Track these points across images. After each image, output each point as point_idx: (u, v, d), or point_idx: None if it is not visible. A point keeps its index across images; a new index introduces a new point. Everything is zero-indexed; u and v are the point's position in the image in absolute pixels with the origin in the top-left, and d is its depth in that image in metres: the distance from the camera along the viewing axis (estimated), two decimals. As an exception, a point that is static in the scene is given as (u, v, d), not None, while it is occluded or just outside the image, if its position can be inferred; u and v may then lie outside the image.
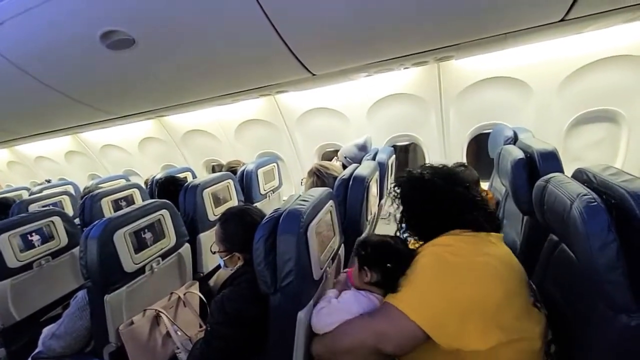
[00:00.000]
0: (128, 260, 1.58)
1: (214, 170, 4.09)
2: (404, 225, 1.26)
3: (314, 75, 1.85)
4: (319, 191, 1.37)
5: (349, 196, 1.72)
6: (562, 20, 1.37)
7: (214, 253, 1.35)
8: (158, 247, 1.75)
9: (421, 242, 1.18)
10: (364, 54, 1.62)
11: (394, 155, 2.60)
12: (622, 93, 2.20)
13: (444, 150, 2.75)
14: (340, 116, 2.94)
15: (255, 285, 1.14)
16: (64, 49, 1.64)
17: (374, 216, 2.23)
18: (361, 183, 1.71)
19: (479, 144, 2.83)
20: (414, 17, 1.36)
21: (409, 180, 1.22)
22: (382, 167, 2.26)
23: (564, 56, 2.14)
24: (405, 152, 3.34)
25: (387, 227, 2.89)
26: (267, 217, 1.18)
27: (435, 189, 1.14)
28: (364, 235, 1.80)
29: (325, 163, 2.03)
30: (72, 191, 4.02)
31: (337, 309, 1.13)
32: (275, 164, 3.13)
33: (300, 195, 1.32)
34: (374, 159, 2.32)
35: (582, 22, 1.40)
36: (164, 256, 1.80)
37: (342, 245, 1.60)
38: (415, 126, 2.76)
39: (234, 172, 2.89)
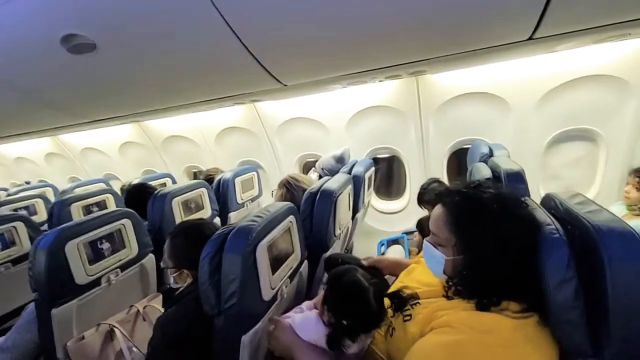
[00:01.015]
0: (80, 271, 1.51)
1: (195, 177, 4.02)
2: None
3: (285, 85, 1.81)
4: (278, 206, 1.32)
5: (315, 210, 1.67)
6: (530, 39, 1.35)
7: (163, 269, 1.29)
8: (117, 258, 1.68)
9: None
10: (334, 66, 1.59)
11: (372, 168, 2.56)
12: (600, 113, 2.19)
13: (424, 164, 2.72)
14: (320, 126, 2.91)
15: (201, 305, 1.09)
16: (26, 51, 1.60)
17: (348, 230, 2.18)
18: (328, 197, 1.67)
19: (460, 159, 2.81)
20: (382, 31, 1.33)
21: (486, 211, 0.81)
22: (357, 180, 2.21)
23: (541, 74, 2.13)
24: (389, 165, 3.30)
25: (366, 240, 2.85)
26: (216, 233, 1.13)
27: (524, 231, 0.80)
28: (330, 252, 1.75)
29: (297, 175, 1.98)
30: (52, 194, 3.94)
31: (297, 322, 1.11)
32: (255, 173, 3.08)
33: (257, 211, 1.27)
34: (351, 171, 2.28)
35: (551, 41, 1.38)
36: (123, 267, 1.74)
37: (306, 261, 1.55)
38: (395, 139, 2.73)
39: (211, 180, 2.83)
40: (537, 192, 2.54)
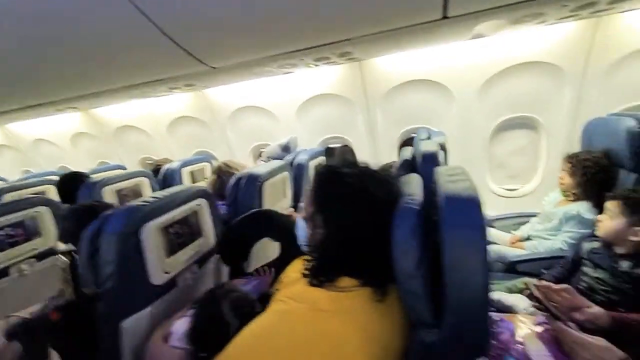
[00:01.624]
0: (-20, 261, 1.43)
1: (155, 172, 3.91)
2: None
3: (213, 68, 1.75)
4: (182, 188, 1.27)
5: (239, 196, 1.62)
6: (445, 17, 1.33)
7: (57, 254, 1.22)
8: (28, 247, 1.60)
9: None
10: (255, 46, 1.54)
11: (321, 157, 2.52)
12: (539, 100, 2.20)
13: (375, 153, 2.70)
14: (272, 116, 2.85)
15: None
16: None
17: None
18: (253, 182, 1.62)
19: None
20: (297, 7, 1.29)
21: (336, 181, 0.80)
22: (300, 168, 2.17)
23: (481, 61, 2.13)
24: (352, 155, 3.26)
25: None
26: (103, 214, 1.07)
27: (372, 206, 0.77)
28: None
29: (230, 161, 1.93)
30: (2, 188, 3.77)
31: (174, 326, 1.03)
32: (208, 164, 3.00)
33: (158, 193, 1.22)
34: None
35: (466, 20, 1.37)
36: (40, 257, 1.65)
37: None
38: (344, 128, 2.70)
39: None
40: (483, 182, 2.55)
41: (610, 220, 1.39)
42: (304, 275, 0.85)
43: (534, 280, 1.25)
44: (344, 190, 0.79)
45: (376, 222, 0.76)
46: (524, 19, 1.42)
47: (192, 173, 2.82)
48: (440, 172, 0.88)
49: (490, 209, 2.58)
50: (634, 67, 1.96)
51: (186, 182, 2.73)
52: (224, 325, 0.94)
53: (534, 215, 2.19)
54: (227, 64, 1.69)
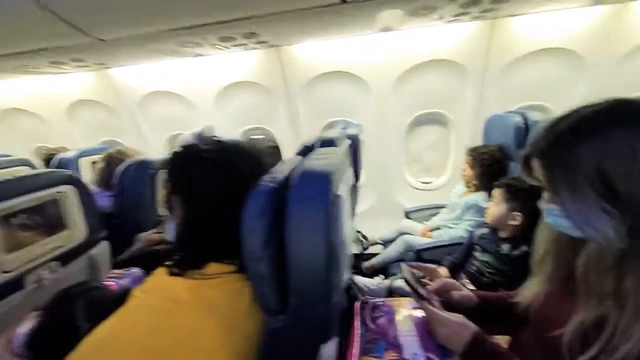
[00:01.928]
0: None
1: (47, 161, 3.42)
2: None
3: (101, 40, 1.54)
4: (35, 172, 1.08)
5: (126, 185, 1.44)
6: (343, 2, 1.30)
7: None
8: None
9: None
10: (145, 16, 1.37)
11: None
12: (447, 97, 2.33)
13: (298, 144, 2.64)
14: (189, 103, 2.65)
15: None
16: None
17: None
18: (144, 170, 1.46)
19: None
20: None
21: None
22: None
23: (394, 56, 2.19)
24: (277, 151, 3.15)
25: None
26: None
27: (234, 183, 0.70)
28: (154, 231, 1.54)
29: (127, 149, 1.73)
30: None
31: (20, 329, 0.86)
32: (115, 154, 2.69)
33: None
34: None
35: (366, 8, 1.36)
36: None
37: (106, 243, 1.33)
38: (265, 118, 2.61)
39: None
40: (401, 175, 2.64)
41: (495, 206, 1.49)
42: (166, 266, 0.75)
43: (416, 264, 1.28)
44: (202, 167, 0.71)
45: (240, 200, 0.66)
46: (420, 12, 1.46)
47: (94, 164, 2.52)
48: (314, 152, 0.84)
49: (407, 201, 2.69)
50: (525, 69, 2.15)
51: (85, 173, 2.41)
52: (71, 328, 0.80)
53: (444, 207, 2.32)
54: (115, 36, 1.49)
